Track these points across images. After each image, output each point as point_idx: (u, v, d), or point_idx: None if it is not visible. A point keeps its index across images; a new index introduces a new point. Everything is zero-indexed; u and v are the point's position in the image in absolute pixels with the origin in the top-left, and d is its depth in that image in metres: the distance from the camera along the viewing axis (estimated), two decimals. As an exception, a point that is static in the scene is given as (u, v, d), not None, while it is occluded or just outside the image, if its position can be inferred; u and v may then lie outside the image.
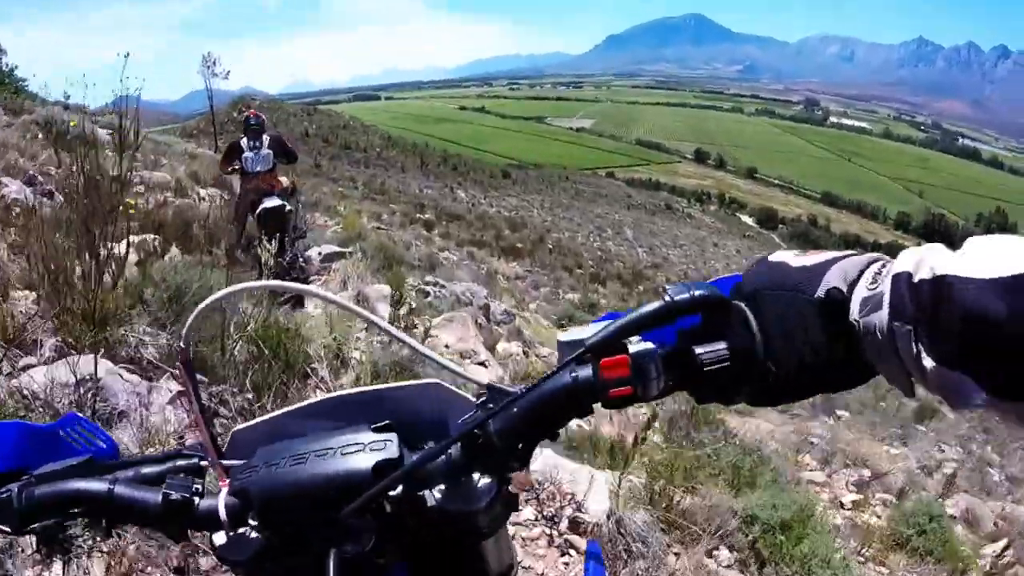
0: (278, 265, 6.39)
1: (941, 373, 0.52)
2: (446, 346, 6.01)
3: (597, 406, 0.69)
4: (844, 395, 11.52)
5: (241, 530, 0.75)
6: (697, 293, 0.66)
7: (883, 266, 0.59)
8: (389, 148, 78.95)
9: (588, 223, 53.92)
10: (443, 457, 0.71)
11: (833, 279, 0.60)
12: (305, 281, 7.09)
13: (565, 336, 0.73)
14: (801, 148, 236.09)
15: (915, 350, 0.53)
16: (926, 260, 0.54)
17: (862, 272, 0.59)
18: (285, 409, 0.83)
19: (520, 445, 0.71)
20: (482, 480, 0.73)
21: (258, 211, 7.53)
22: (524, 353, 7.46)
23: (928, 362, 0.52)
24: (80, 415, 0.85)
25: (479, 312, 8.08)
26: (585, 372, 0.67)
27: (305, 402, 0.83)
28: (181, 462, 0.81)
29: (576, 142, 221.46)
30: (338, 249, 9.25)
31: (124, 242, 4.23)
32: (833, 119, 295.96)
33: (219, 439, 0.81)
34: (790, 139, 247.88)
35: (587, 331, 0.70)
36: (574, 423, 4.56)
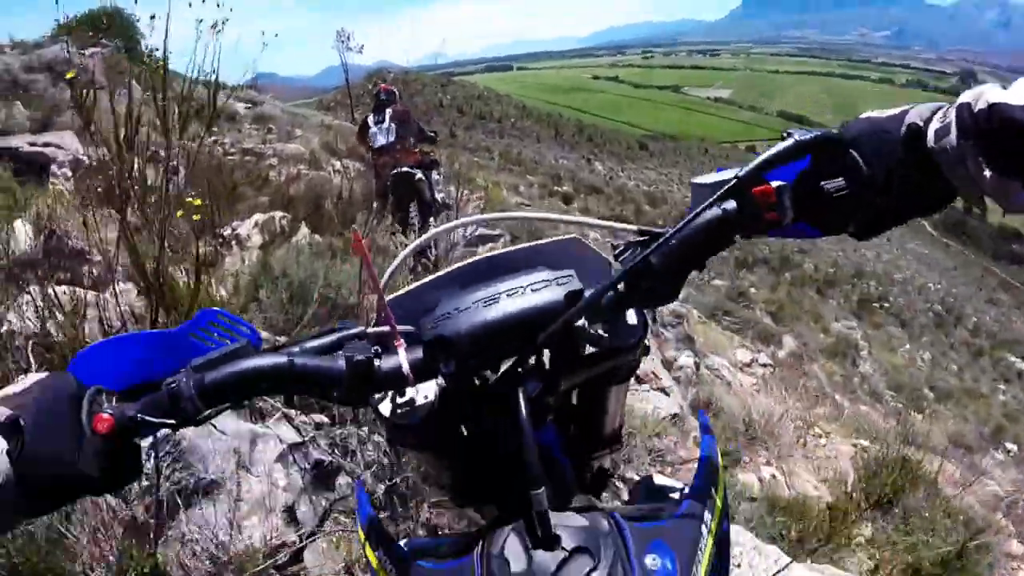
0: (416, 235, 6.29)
1: (997, 180, 0.67)
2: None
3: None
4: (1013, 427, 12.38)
5: (409, 395, 0.82)
6: (819, 133, 0.77)
7: (951, 106, 0.71)
8: (523, 118, 77.86)
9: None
10: (611, 292, 0.77)
11: (912, 117, 0.73)
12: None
13: (700, 179, 0.82)
14: None
15: (977, 162, 0.68)
16: (983, 94, 0.67)
17: (935, 112, 0.73)
18: (437, 274, 0.88)
19: (675, 276, 0.79)
20: (632, 317, 0.83)
21: (386, 180, 7.43)
22: (696, 366, 6.16)
23: (987, 171, 0.67)
24: (215, 309, 0.85)
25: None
26: (731, 205, 0.77)
27: (455, 265, 0.88)
28: (345, 332, 0.82)
29: (714, 113, 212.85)
30: (486, 231, 8.10)
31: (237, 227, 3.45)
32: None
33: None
34: None
35: (717, 176, 0.80)
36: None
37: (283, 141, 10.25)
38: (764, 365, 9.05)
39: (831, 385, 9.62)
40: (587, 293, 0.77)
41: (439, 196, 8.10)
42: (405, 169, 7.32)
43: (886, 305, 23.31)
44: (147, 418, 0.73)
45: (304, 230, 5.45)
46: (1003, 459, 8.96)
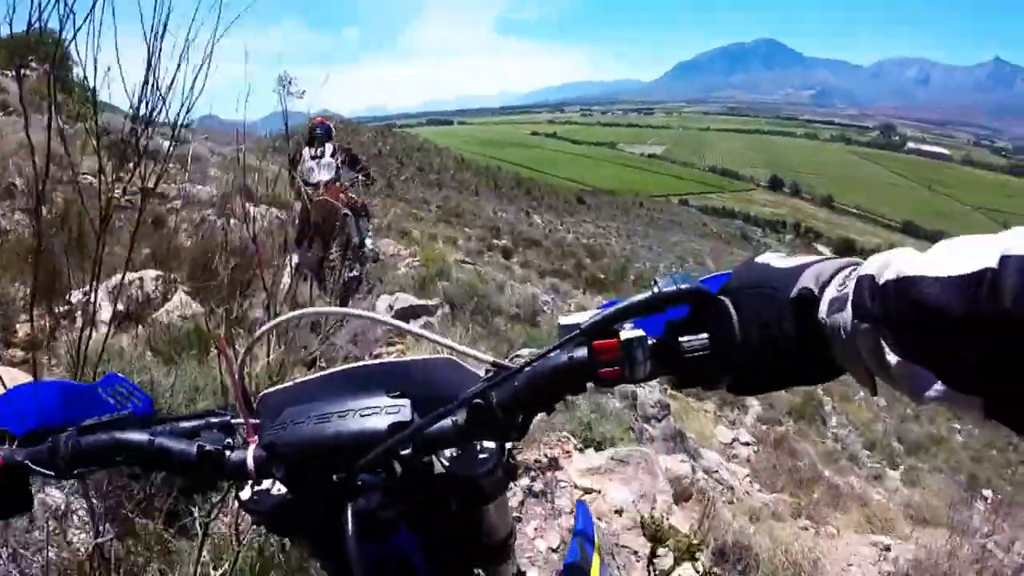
0: (335, 282, 5.67)
1: (902, 367, 0.56)
2: (617, 512, 3.95)
3: (590, 385, 0.74)
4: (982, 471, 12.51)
5: (265, 485, 0.84)
6: (683, 286, 0.70)
7: (854, 270, 0.62)
8: (463, 170, 77.80)
9: (668, 252, 51.35)
10: (449, 423, 0.77)
11: (806, 280, 0.64)
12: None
13: (565, 320, 0.79)
14: (879, 175, 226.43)
15: (877, 346, 0.57)
16: (892, 262, 0.58)
17: (834, 275, 0.64)
18: (310, 376, 0.88)
19: (520, 416, 0.76)
20: (486, 448, 0.82)
21: (309, 209, 6.69)
22: (692, 470, 5.40)
23: (891, 357, 0.57)
24: (119, 375, 0.94)
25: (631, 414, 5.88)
26: (580, 353, 0.73)
27: (329, 370, 0.88)
28: (213, 419, 0.90)
29: (648, 168, 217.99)
30: (417, 302, 7.08)
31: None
32: (911, 144, 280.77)
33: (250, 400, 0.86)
34: (867, 166, 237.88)
35: (586, 316, 0.76)
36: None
37: (194, 183, 9.26)
38: (746, 443, 8.73)
39: (817, 457, 9.29)
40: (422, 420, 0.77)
41: (368, 244, 7.65)
42: (330, 200, 6.55)
43: None
44: (31, 465, 0.84)
45: (180, 296, 4.47)
46: (984, 509, 8.51)
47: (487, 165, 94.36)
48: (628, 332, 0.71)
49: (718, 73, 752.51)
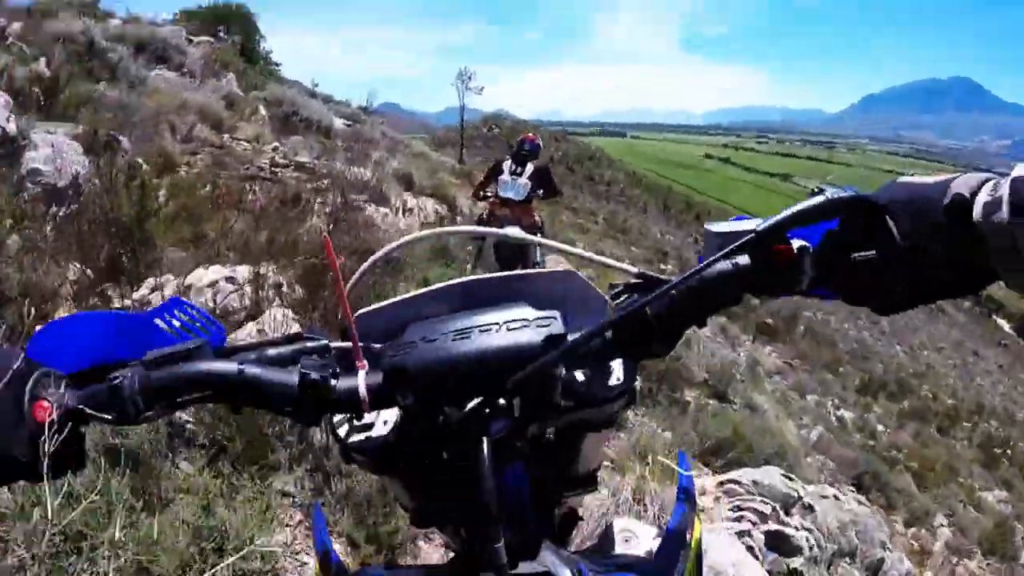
0: None
1: None
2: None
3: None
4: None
5: (367, 419, 0.78)
6: (853, 194, 0.68)
7: (1002, 177, 0.63)
8: (632, 186, 76.05)
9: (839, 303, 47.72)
10: (599, 338, 0.71)
11: (958, 187, 0.65)
12: None
13: (716, 227, 0.74)
14: None
15: None
16: None
17: (983, 183, 0.64)
18: (415, 292, 0.82)
19: (672, 330, 0.72)
20: (617, 367, 0.78)
21: (494, 241, 6.99)
22: None
23: None
24: (183, 300, 0.83)
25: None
26: (744, 260, 0.70)
27: (437, 285, 0.82)
28: (308, 344, 0.79)
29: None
30: None
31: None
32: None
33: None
34: None
35: (735, 226, 0.72)
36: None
37: (355, 164, 8.25)
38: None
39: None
40: (571, 337, 0.71)
41: (538, 258, 7.52)
42: (517, 231, 5.78)
43: (1009, 452, 20.01)
44: (88, 411, 0.72)
45: (275, 314, 3.15)
46: None
47: (657, 183, 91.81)
48: (796, 241, 0.70)
49: (907, 111, 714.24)
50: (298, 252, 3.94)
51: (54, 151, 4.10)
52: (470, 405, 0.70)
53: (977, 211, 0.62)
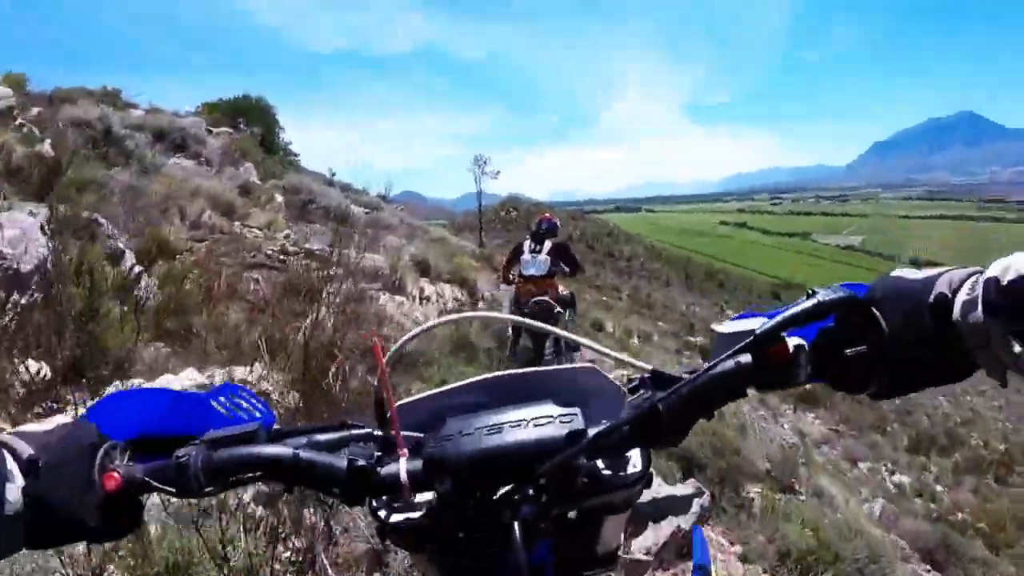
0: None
1: None
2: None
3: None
4: None
5: (405, 501, 0.82)
6: (843, 295, 0.75)
7: (980, 275, 0.68)
8: (652, 259, 75.84)
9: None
10: (616, 432, 0.77)
11: (941, 286, 0.70)
12: None
13: (723, 328, 0.81)
14: None
15: (1004, 340, 0.64)
16: (1012, 264, 0.64)
17: (965, 280, 0.69)
18: (449, 386, 0.87)
19: (681, 424, 0.77)
20: (635, 455, 0.82)
21: (524, 306, 7.21)
22: None
23: (1016, 348, 0.63)
24: (237, 384, 0.90)
25: None
26: (746, 359, 0.75)
27: (468, 380, 0.87)
28: (354, 431, 0.85)
29: (845, 261, 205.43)
30: (668, 490, 4.84)
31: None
32: None
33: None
34: None
35: (739, 325, 0.79)
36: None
37: (370, 250, 7.83)
38: None
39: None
40: (591, 431, 0.77)
41: (569, 320, 7.94)
42: (546, 299, 7.26)
43: None
44: (153, 483, 0.77)
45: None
46: None
47: (676, 254, 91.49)
48: (792, 340, 0.75)
49: (917, 153, 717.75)
50: (296, 350, 3.40)
51: (22, 232, 3.68)
52: (501, 491, 0.76)
53: (956, 310, 0.68)
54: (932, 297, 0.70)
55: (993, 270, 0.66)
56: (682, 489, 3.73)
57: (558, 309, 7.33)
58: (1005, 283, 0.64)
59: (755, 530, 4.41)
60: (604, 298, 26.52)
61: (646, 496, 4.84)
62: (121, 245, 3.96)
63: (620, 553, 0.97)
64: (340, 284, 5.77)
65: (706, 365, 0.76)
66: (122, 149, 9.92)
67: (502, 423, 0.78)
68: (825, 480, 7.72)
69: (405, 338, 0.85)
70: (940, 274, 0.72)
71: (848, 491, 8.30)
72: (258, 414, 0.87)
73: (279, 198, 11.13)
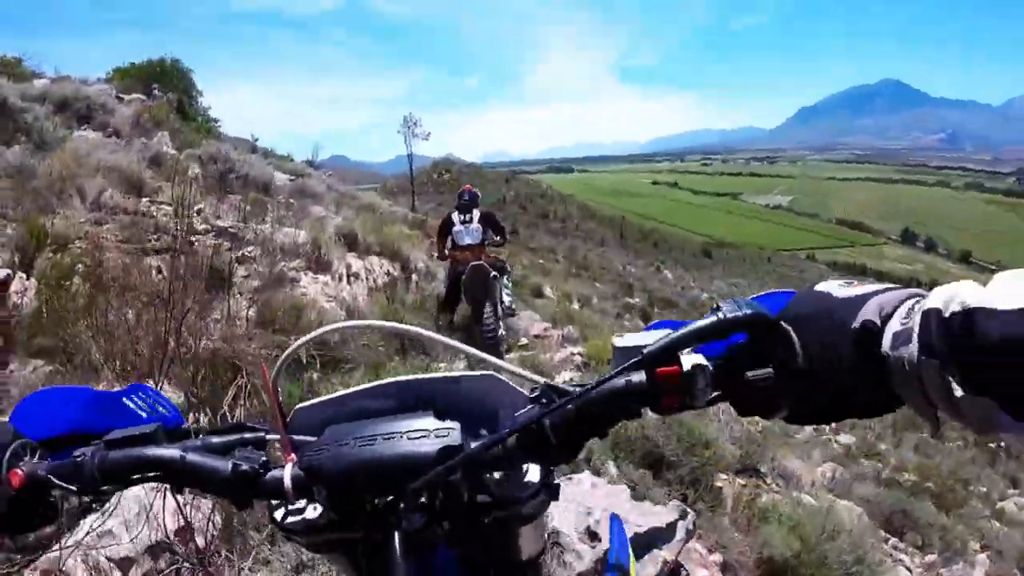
0: (478, 333, 7.08)
1: (969, 401, 0.55)
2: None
3: (645, 410, 0.73)
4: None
5: (300, 504, 0.81)
6: (748, 312, 0.68)
7: (918, 302, 0.61)
8: (587, 219, 76.11)
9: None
10: (499, 446, 0.74)
11: (869, 312, 0.62)
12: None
13: (621, 341, 0.76)
14: (1019, 227, 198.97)
15: (944, 382, 0.56)
16: (957, 295, 0.56)
17: (897, 307, 0.62)
18: (347, 390, 0.85)
19: (571, 441, 0.75)
20: (531, 470, 0.79)
21: (462, 275, 7.40)
22: None
23: (957, 391, 0.55)
24: (146, 384, 0.98)
25: None
26: (639, 377, 0.71)
27: (366, 384, 0.85)
28: (248, 435, 0.85)
29: (773, 220, 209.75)
30: (649, 522, 4.51)
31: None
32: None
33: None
34: (1007, 216, 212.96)
35: (643, 338, 0.74)
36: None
37: (280, 224, 7.25)
38: None
39: None
40: (473, 445, 0.75)
41: (507, 300, 8.11)
42: (482, 263, 7.39)
43: (1003, 444, 19.50)
44: (54, 480, 0.80)
45: None
46: None
47: (611, 215, 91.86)
48: (690, 358, 0.70)
49: (842, 118, 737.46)
50: (195, 360, 2.95)
51: None
52: (380, 502, 0.76)
53: (886, 342, 0.60)
54: (858, 322, 0.62)
55: (934, 300, 0.58)
56: (664, 515, 3.34)
57: (494, 274, 7.51)
58: (948, 315, 0.56)
59: (733, 535, 4.13)
60: (540, 260, 26.18)
61: (627, 531, 4.52)
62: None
63: (543, 559, 0.95)
64: (254, 266, 5.27)
65: (596, 380, 0.73)
66: (18, 124, 9.09)
67: (376, 435, 0.77)
68: (785, 454, 7.58)
69: (288, 351, 0.82)
70: (870, 294, 0.64)
71: (803, 463, 8.21)
72: (164, 412, 0.89)
73: (195, 169, 10.39)
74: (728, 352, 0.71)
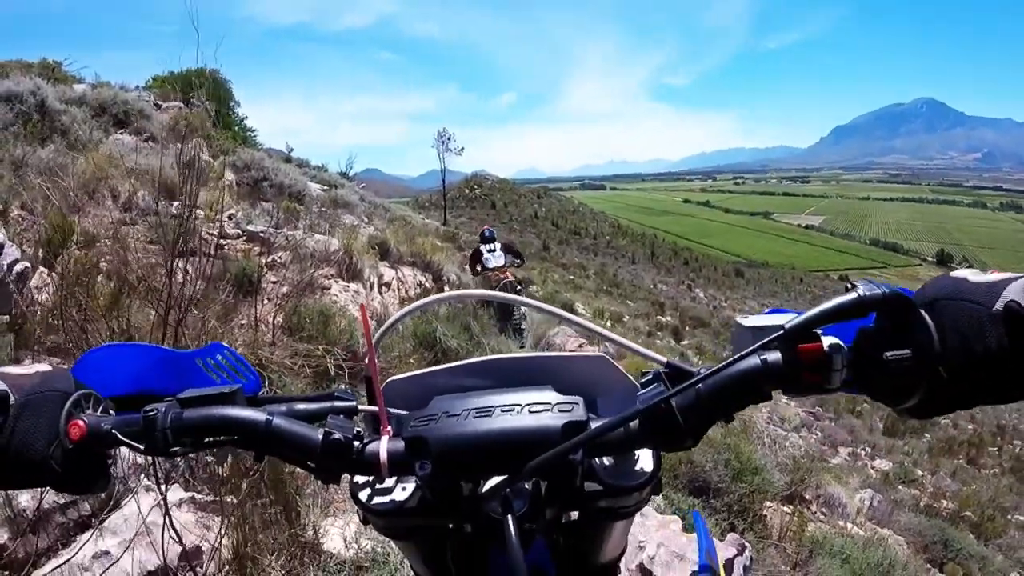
0: (508, 328, 8.48)
1: None
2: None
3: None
4: None
5: (389, 483, 0.77)
6: (887, 291, 0.65)
7: None
8: (618, 236, 75.81)
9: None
10: (622, 428, 0.69)
11: (1014, 292, 0.61)
12: None
13: (747, 321, 0.74)
14: None
15: None
16: None
17: None
18: (446, 365, 0.82)
19: (697, 425, 0.70)
20: (642, 457, 0.76)
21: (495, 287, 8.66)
22: None
23: None
24: (225, 345, 0.84)
25: None
26: (774, 356, 0.67)
27: (467, 360, 0.82)
28: (337, 403, 0.79)
29: (805, 240, 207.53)
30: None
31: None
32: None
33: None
34: None
35: (768, 319, 0.72)
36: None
37: (313, 231, 7.14)
38: None
39: None
40: (593, 424, 0.69)
41: (523, 308, 8.80)
42: (511, 279, 9.72)
43: None
44: (119, 436, 0.73)
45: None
46: None
47: (642, 233, 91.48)
48: (827, 338, 0.67)
49: (877, 137, 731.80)
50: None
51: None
52: (491, 483, 0.69)
53: None
54: (1001, 304, 0.60)
55: None
56: (722, 551, 3.09)
57: (519, 287, 10.08)
58: None
59: (781, 568, 3.87)
60: (571, 277, 26.09)
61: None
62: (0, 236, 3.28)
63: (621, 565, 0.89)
64: (284, 272, 5.13)
65: (727, 360, 0.68)
66: (55, 125, 9.12)
67: (493, 406, 0.71)
68: (829, 483, 7.30)
69: (394, 318, 0.80)
70: (1010, 279, 0.62)
71: (843, 488, 7.90)
72: (244, 376, 0.83)
73: (229, 176, 10.37)
74: (858, 336, 0.67)
